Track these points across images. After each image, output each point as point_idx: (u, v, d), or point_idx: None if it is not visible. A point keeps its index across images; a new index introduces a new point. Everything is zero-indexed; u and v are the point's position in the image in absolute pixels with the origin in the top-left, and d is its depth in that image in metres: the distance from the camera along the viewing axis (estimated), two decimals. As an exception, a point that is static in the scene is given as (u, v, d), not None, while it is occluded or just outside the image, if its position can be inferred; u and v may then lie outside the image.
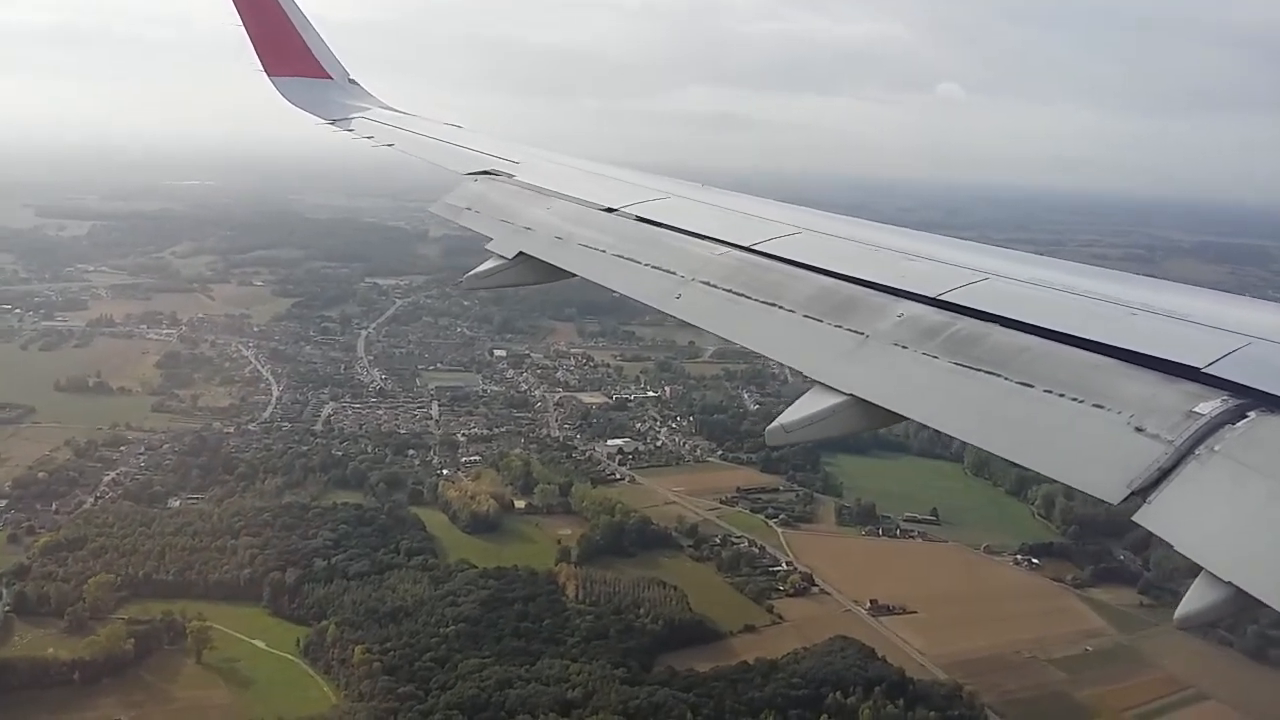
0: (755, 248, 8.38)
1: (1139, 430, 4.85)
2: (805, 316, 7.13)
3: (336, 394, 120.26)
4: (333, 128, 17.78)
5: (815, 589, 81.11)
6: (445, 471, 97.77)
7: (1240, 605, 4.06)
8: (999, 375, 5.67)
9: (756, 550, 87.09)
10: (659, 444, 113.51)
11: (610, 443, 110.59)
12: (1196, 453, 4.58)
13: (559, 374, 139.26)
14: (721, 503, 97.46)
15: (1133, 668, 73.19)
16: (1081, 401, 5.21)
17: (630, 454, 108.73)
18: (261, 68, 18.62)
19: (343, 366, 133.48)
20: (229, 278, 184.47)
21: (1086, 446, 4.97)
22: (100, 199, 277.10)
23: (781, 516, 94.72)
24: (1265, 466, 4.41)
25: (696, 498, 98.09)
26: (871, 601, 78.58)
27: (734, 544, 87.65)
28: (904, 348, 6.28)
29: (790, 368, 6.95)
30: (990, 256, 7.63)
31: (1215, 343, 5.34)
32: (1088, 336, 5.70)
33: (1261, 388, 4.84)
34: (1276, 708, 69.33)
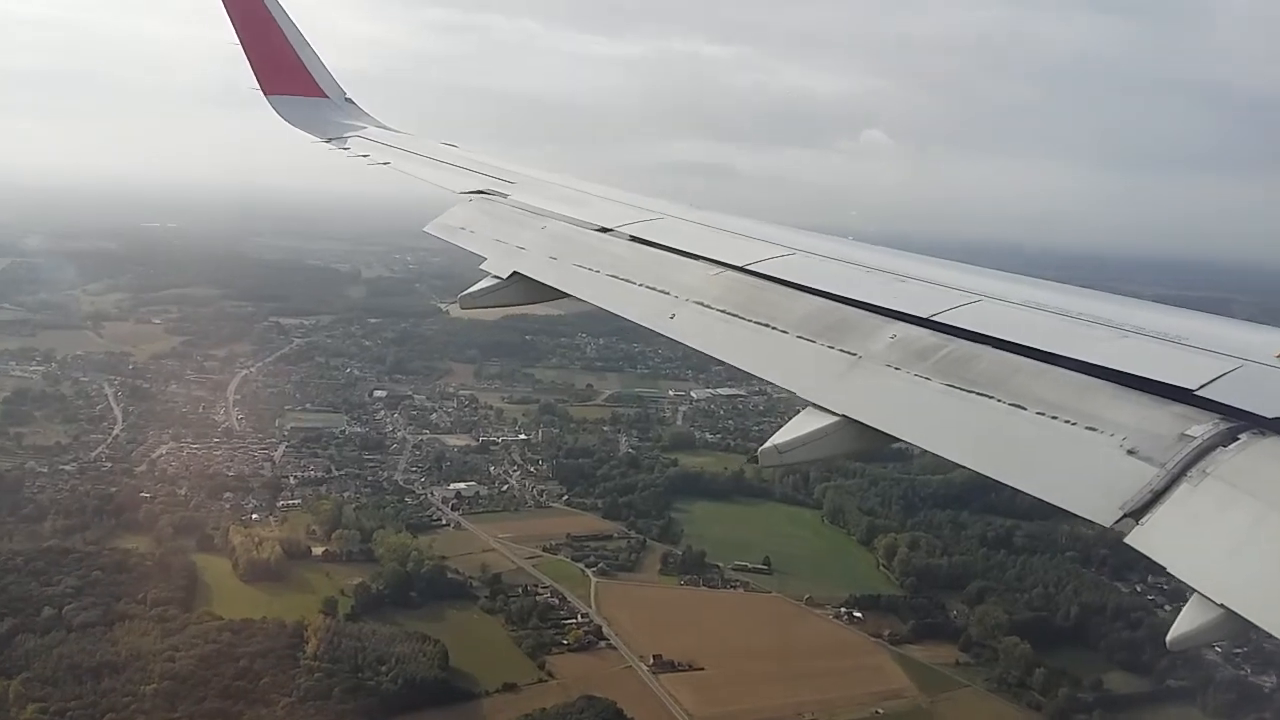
0: (749, 268, 8.37)
1: (1131, 452, 4.86)
2: (798, 337, 7.13)
3: (180, 434, 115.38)
4: (328, 146, 17.62)
5: (603, 643, 76.14)
6: (256, 515, 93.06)
7: (1232, 627, 4.11)
8: (991, 397, 5.66)
9: (556, 602, 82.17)
10: (505, 488, 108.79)
11: (452, 487, 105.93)
12: (1189, 475, 4.59)
13: (433, 416, 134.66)
14: (544, 550, 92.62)
15: (917, 734, 68.05)
16: (1074, 423, 5.22)
17: (470, 498, 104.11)
18: (258, 85, 18.57)
19: (202, 406, 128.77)
20: (130, 316, 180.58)
21: (1079, 469, 4.98)
22: (42, 238, 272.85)
23: (601, 565, 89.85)
24: (1257, 489, 4.44)
25: (520, 545, 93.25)
26: (655, 657, 73.55)
27: (535, 595, 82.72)
28: (896, 369, 6.27)
29: (783, 388, 6.86)
30: (983, 278, 7.60)
31: (1207, 365, 5.32)
32: (1080, 358, 5.68)
33: (1253, 410, 4.83)
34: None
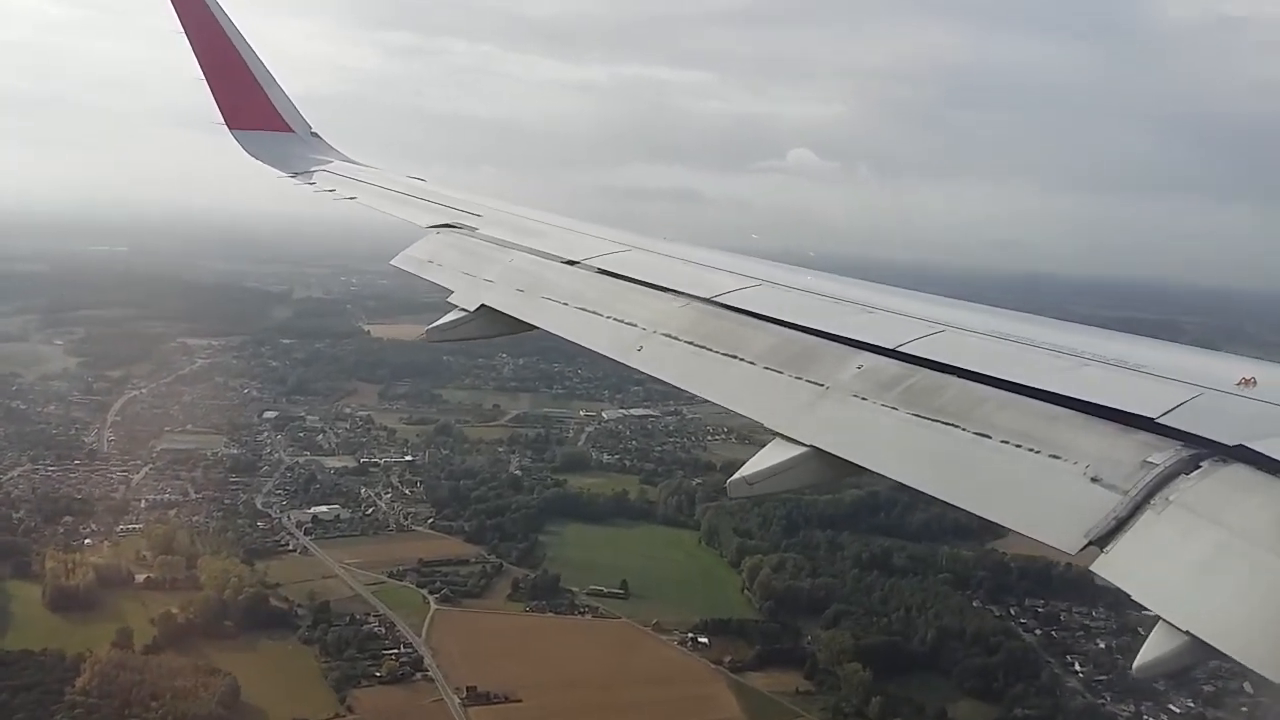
0: (716, 299, 8.36)
1: (1095, 480, 4.89)
2: (765, 368, 7.10)
3: (40, 456, 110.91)
4: (294, 181, 17.53)
5: (419, 675, 72.02)
6: (89, 540, 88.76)
7: (1197, 654, 4.10)
8: (957, 426, 5.69)
9: (383, 631, 78.08)
10: (371, 511, 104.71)
11: (310, 510, 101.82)
12: (1152, 502, 4.61)
13: (319, 437, 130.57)
14: (390, 576, 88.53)
15: (732, 769, 64.15)
16: (1038, 452, 5.24)
17: (329, 522, 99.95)
18: (222, 120, 18.38)
19: (75, 428, 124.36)
20: (31, 337, 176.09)
21: (1044, 496, 5.00)
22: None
23: (446, 592, 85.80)
24: (1219, 515, 4.46)
25: (367, 570, 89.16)
26: (469, 689, 69.51)
27: (361, 624, 78.51)
28: (863, 399, 6.27)
29: (751, 418, 6.74)
30: (948, 308, 7.61)
31: (1168, 393, 5.36)
32: (1044, 387, 5.70)
33: (1214, 438, 4.86)
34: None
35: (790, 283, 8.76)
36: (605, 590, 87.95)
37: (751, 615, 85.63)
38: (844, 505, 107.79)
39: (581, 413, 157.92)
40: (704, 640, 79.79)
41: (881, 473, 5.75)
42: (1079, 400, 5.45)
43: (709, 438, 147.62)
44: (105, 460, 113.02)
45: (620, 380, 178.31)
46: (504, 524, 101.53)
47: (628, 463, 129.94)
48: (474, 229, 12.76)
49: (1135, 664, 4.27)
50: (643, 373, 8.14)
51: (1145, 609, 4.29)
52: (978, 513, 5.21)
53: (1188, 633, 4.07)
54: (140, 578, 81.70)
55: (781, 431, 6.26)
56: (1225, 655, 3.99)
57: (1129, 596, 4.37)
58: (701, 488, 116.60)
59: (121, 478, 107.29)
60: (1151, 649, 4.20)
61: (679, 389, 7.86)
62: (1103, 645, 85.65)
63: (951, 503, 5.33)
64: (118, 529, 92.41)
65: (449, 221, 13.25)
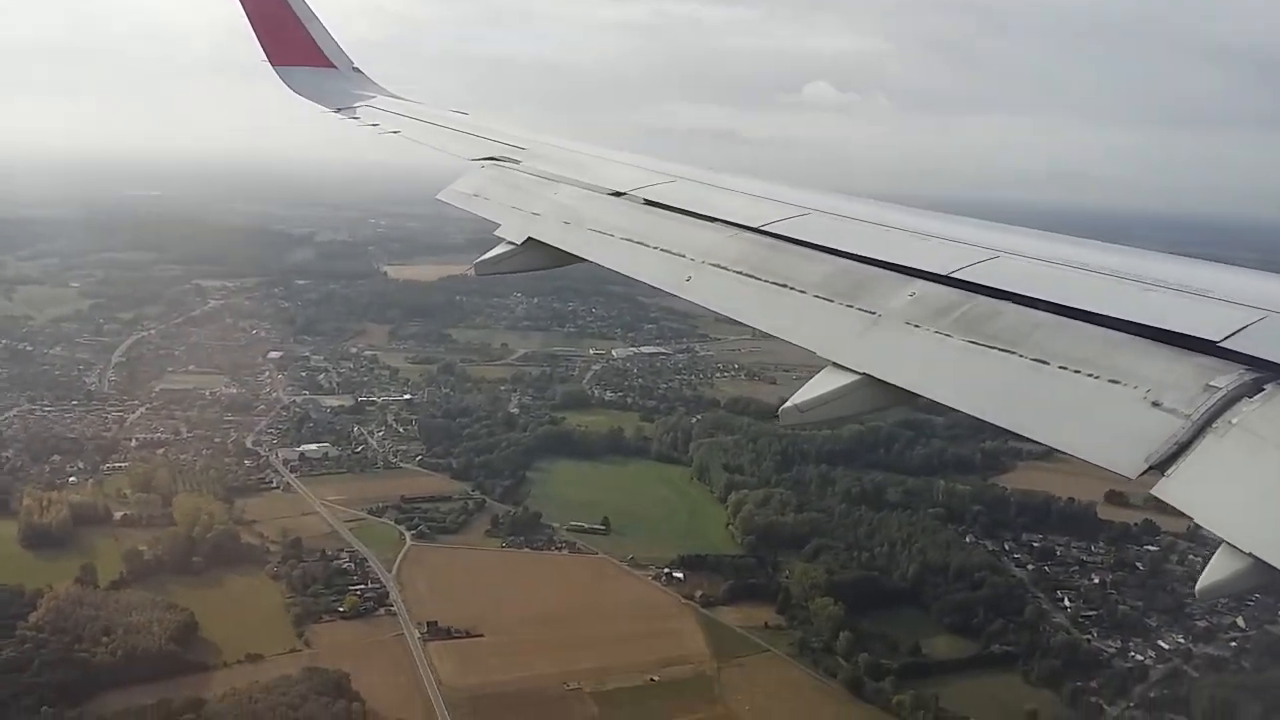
0: (765, 229, 8.28)
1: (1155, 405, 4.85)
2: (817, 297, 7.09)
3: (39, 397, 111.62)
4: (338, 116, 17.34)
5: (382, 610, 71.45)
6: (74, 478, 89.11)
7: (1260, 576, 4.09)
8: (1013, 352, 5.64)
9: (352, 567, 77.51)
10: (360, 449, 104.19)
11: (298, 448, 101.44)
12: (1214, 426, 4.59)
13: (321, 377, 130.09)
14: (370, 513, 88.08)
15: (686, 704, 62.92)
16: (1097, 377, 5.19)
17: (317, 460, 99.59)
18: (265, 57, 18.29)
19: (79, 369, 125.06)
20: (49, 280, 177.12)
21: (1103, 422, 4.99)
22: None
23: (422, 528, 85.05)
24: None
25: (347, 507, 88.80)
26: (430, 624, 68.82)
27: (331, 560, 78.02)
28: (916, 326, 6.24)
29: (802, 347, 6.62)
30: (1002, 233, 7.47)
31: (1231, 316, 5.27)
32: (1102, 312, 5.64)
33: (1278, 360, 4.81)
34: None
35: (840, 210, 8.60)
36: (585, 526, 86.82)
37: (732, 551, 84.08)
38: (842, 440, 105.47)
39: (591, 351, 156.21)
40: (679, 575, 78.44)
41: (935, 399, 5.70)
42: (1139, 324, 5.39)
43: (718, 374, 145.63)
44: (103, 401, 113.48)
45: (634, 319, 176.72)
46: (492, 461, 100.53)
47: (630, 400, 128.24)
48: (519, 162, 12.70)
49: (1198, 586, 4.21)
50: (692, 303, 8.01)
51: (1209, 532, 4.27)
52: (1034, 438, 5.12)
53: (1250, 555, 4.06)
54: (118, 515, 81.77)
55: (834, 359, 6.19)
56: None
57: (1191, 520, 4.34)
58: (699, 424, 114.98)
59: (116, 418, 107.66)
60: (1213, 572, 4.17)
61: (732, 320, 7.72)
62: (1097, 580, 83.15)
63: (1007, 429, 5.30)
64: (103, 468, 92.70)
65: (494, 155, 13.15)
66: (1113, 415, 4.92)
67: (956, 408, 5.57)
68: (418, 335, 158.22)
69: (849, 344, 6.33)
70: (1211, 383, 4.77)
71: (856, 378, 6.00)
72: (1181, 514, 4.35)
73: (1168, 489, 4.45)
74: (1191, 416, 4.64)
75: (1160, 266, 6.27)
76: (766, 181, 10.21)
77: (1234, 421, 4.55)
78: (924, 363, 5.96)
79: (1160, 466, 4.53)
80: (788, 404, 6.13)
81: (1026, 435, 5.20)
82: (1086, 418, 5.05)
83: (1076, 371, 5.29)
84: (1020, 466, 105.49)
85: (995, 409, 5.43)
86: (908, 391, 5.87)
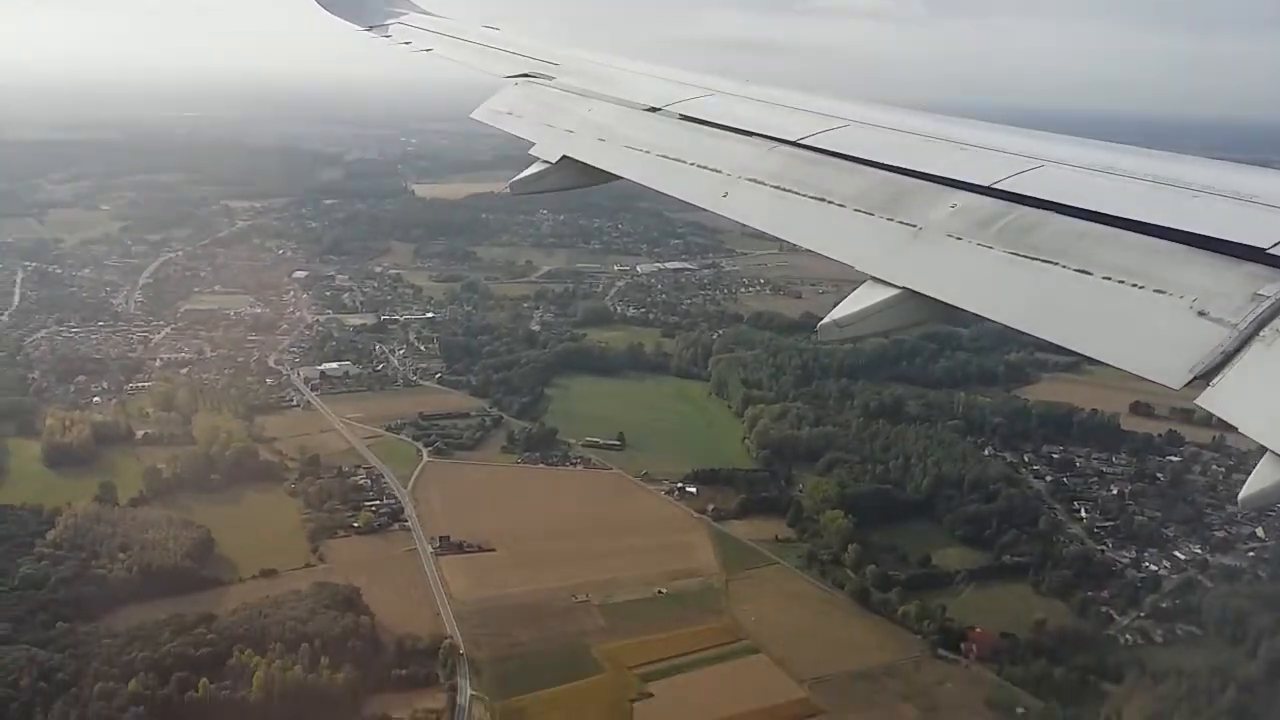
0: (803, 142, 8.11)
1: (1201, 314, 4.81)
2: (856, 210, 6.99)
3: (66, 318, 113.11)
4: (370, 34, 17.45)
5: (396, 526, 72.42)
6: (98, 399, 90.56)
7: None
8: (1056, 263, 5.58)
9: (369, 483, 78.41)
10: (381, 367, 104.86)
11: (320, 367, 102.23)
12: (1261, 335, 4.54)
13: (345, 296, 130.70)
14: (388, 430, 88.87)
15: (694, 615, 63.47)
16: (1142, 287, 5.15)
17: (339, 378, 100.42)
18: None
19: (106, 290, 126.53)
20: (80, 203, 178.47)
21: (1147, 332, 4.93)
22: (32, 129, 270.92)
23: (439, 445, 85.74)
24: None
25: (366, 425, 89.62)
26: (442, 539, 69.68)
27: (348, 476, 78.99)
28: (958, 239, 6.19)
29: (842, 262, 6.60)
30: (1044, 142, 7.25)
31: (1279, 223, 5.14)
32: (1148, 220, 5.53)
33: None
34: (826, 662, 58.95)
35: (879, 121, 8.41)
36: (601, 442, 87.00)
37: (747, 465, 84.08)
38: (864, 354, 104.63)
39: (616, 267, 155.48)
40: (691, 490, 78.62)
41: (978, 313, 5.66)
42: (1184, 232, 5.30)
43: (743, 289, 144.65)
44: (129, 322, 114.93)
45: (660, 234, 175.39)
46: (511, 378, 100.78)
47: (652, 316, 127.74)
48: (552, 79, 12.52)
49: (1240, 495, 4.16)
50: (729, 219, 7.96)
51: (1253, 441, 4.21)
52: (1078, 350, 5.10)
53: None
54: (140, 434, 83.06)
55: (874, 274, 6.14)
56: None
57: (1229, 430, 4.31)
58: (720, 340, 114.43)
59: (141, 338, 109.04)
60: (1258, 480, 4.12)
61: (769, 235, 7.61)
62: (1115, 491, 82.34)
63: (1052, 340, 5.24)
64: (127, 388, 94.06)
65: (526, 71, 12.91)
66: (1158, 326, 4.86)
67: (999, 321, 5.55)
68: (443, 254, 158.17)
69: (889, 258, 6.28)
70: (1260, 291, 4.69)
71: (897, 292, 5.97)
72: (1209, 425, 4.16)
73: (1213, 399, 4.39)
74: (1238, 325, 4.57)
75: (1206, 173, 6.10)
76: (802, 93, 10.06)
77: None
78: (966, 276, 5.90)
79: (1206, 376, 4.47)
80: (826, 319, 6.09)
81: (1070, 348, 5.17)
82: (1131, 329, 5.00)
83: (1121, 282, 5.23)
84: (1045, 379, 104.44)
85: (1038, 322, 5.41)
86: (949, 305, 5.83)
